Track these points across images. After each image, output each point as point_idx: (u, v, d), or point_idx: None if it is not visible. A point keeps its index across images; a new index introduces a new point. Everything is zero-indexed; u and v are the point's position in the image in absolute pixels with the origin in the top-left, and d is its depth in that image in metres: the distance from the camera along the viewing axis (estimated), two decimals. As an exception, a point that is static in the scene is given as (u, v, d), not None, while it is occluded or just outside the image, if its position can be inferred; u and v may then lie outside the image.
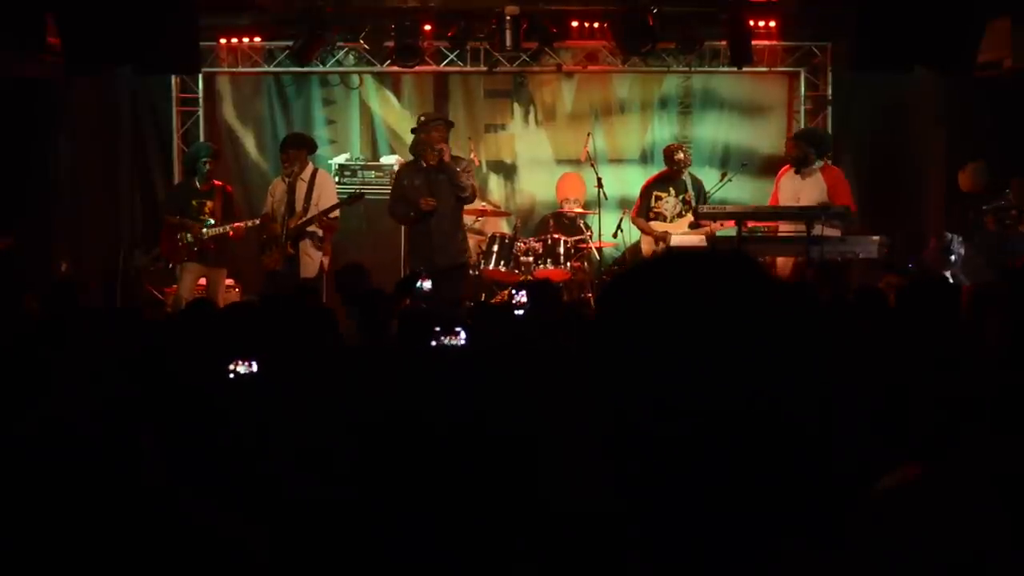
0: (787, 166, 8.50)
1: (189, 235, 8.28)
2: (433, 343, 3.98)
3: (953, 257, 7.13)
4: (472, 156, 9.59)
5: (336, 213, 8.16)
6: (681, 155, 8.83)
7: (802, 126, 9.72)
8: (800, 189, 8.22)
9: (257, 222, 8.31)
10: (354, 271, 5.98)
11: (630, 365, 0.96)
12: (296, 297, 5.31)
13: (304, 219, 8.09)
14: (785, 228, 7.97)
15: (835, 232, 7.69)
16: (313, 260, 8.09)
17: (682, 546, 0.96)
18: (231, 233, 8.28)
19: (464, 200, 7.90)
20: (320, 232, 8.12)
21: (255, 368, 3.07)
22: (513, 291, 5.36)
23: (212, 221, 8.30)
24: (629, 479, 0.97)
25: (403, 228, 8.97)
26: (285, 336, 3.29)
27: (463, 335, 4.02)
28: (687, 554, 0.97)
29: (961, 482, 1.47)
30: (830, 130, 9.89)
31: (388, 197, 9.17)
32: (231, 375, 3.06)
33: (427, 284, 6.24)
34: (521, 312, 5.08)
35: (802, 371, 0.97)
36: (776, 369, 0.96)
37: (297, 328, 3.37)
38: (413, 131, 8.04)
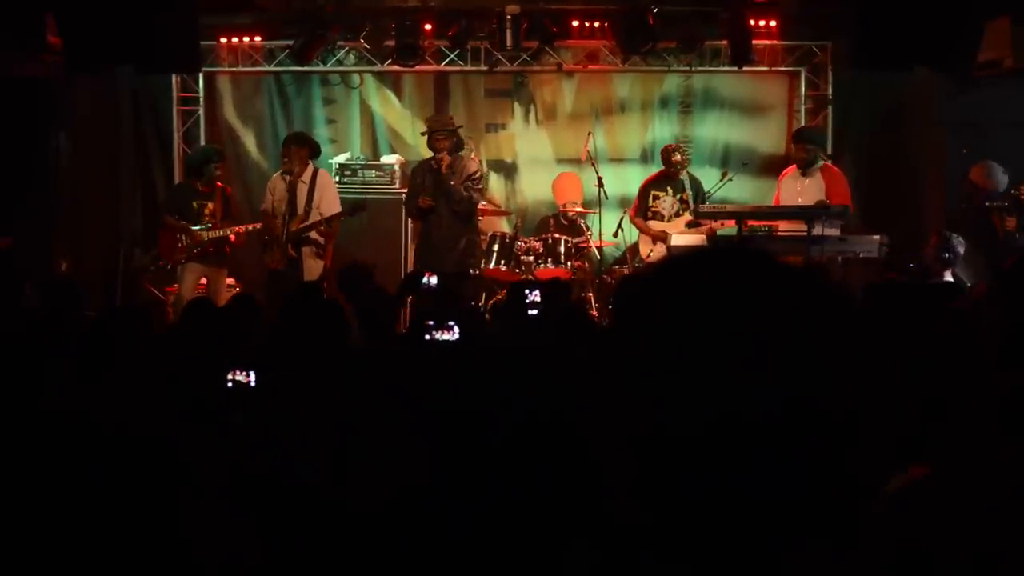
0: (791, 167, 8.52)
1: (188, 237, 8.29)
2: (426, 337, 3.96)
3: (953, 256, 7.13)
4: (472, 156, 9.60)
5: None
6: (679, 156, 8.85)
7: (803, 126, 9.73)
8: (801, 190, 8.25)
9: (258, 226, 8.33)
10: (358, 270, 5.98)
11: (659, 367, 0.96)
12: (303, 297, 5.31)
13: (305, 224, 8.11)
14: (784, 227, 7.97)
15: (834, 231, 7.71)
16: (316, 264, 8.14)
17: (702, 543, 0.97)
18: (232, 238, 8.29)
19: (457, 210, 8.00)
20: (321, 240, 8.16)
21: (252, 379, 3.08)
22: (527, 291, 5.34)
23: (210, 225, 8.31)
24: (654, 475, 0.97)
25: (408, 229, 9.03)
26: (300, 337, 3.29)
27: (456, 330, 4.00)
28: (705, 551, 0.97)
29: (969, 483, 1.48)
30: (830, 130, 9.91)
31: (389, 197, 9.27)
32: (229, 384, 3.07)
33: (433, 280, 6.25)
34: (535, 312, 5.07)
35: (834, 369, 0.96)
36: (808, 367, 0.96)
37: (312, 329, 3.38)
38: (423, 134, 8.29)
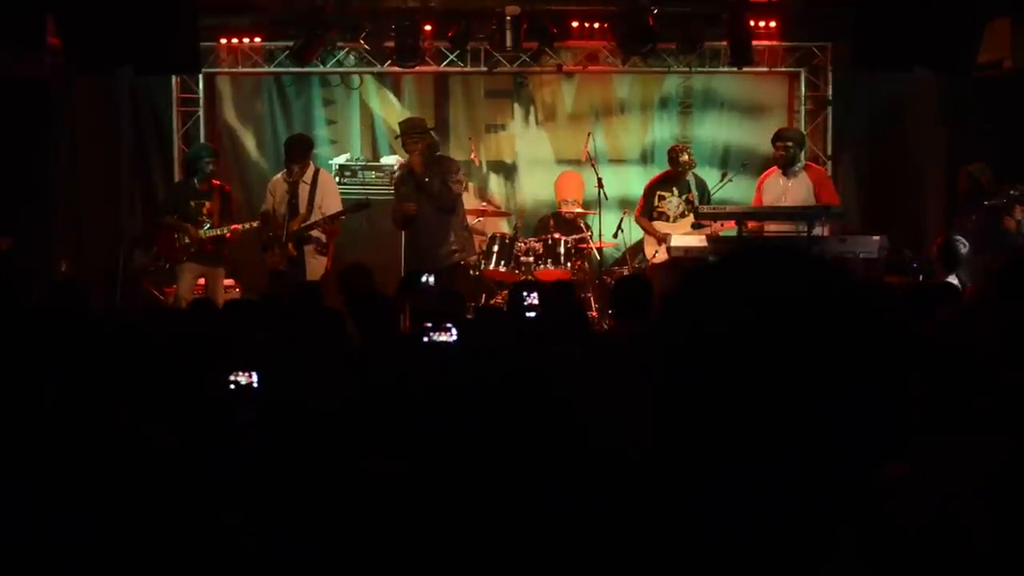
0: (771, 168, 8.52)
1: (186, 236, 8.28)
2: (424, 339, 3.97)
3: (956, 257, 7.12)
4: (472, 156, 9.60)
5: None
6: (686, 156, 8.84)
7: (802, 126, 9.73)
8: (785, 190, 8.25)
9: (255, 224, 8.32)
10: (358, 272, 5.98)
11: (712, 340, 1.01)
12: (300, 297, 5.31)
13: (307, 223, 8.11)
14: (772, 228, 7.97)
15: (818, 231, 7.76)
16: (319, 263, 8.13)
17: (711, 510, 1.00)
18: (228, 235, 8.28)
19: (440, 206, 7.99)
20: (323, 238, 8.16)
21: (255, 380, 3.08)
22: (525, 292, 5.34)
23: (209, 224, 8.30)
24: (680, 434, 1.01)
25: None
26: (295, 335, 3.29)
27: (454, 332, 4.01)
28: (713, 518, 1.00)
29: (945, 480, 1.49)
30: (830, 131, 9.91)
31: (389, 198, 9.26)
32: (231, 386, 3.08)
33: (431, 279, 6.27)
34: (533, 314, 5.07)
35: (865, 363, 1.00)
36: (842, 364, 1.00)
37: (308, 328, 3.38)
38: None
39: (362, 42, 9.65)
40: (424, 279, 6.27)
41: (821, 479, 0.99)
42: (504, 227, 9.73)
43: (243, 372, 3.20)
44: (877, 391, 1.00)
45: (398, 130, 8.33)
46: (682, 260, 8.16)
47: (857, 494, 1.01)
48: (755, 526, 1.00)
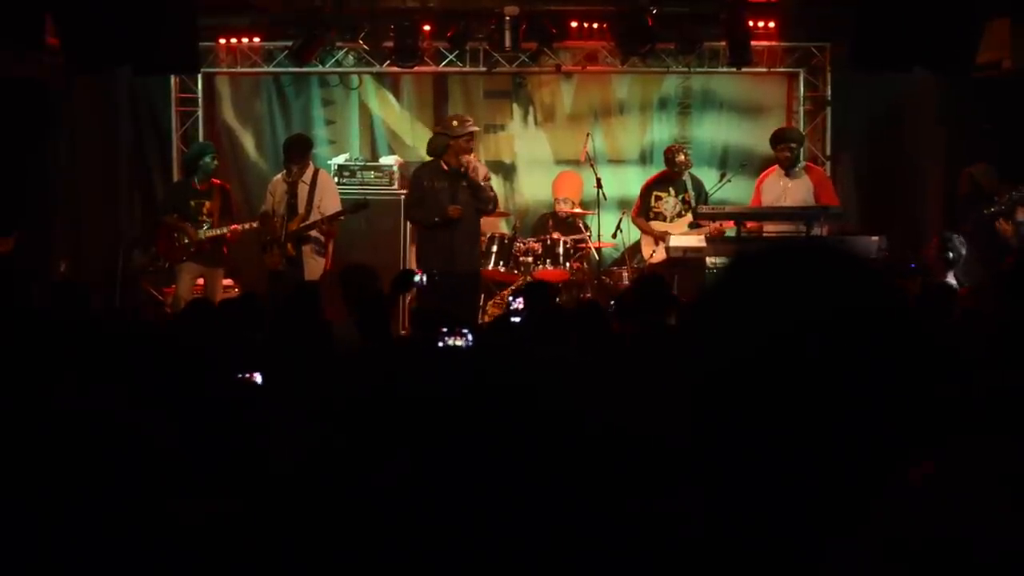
0: (771, 168, 8.52)
1: (185, 237, 8.28)
2: (440, 344, 3.98)
3: (955, 257, 7.12)
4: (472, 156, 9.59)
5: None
6: (682, 157, 8.84)
7: (801, 126, 9.73)
8: (785, 190, 8.25)
9: (255, 224, 8.32)
10: (363, 273, 5.96)
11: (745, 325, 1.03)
12: (296, 298, 5.31)
13: (306, 223, 8.10)
14: (771, 228, 7.97)
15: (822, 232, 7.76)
16: (317, 263, 8.12)
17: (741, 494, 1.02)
18: (228, 235, 8.28)
19: (485, 212, 7.98)
20: (322, 238, 8.15)
21: (259, 379, 3.09)
22: (510, 298, 5.36)
23: (209, 223, 8.30)
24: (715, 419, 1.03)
25: (407, 230, 8.96)
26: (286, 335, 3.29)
27: (469, 336, 4.03)
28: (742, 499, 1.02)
29: (969, 480, 1.48)
30: (828, 131, 9.91)
31: (388, 198, 9.21)
32: (235, 385, 3.08)
33: (424, 279, 6.26)
34: (519, 319, 5.08)
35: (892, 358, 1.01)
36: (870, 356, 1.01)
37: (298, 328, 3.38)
38: (443, 131, 8.02)
39: (361, 42, 9.65)
40: (418, 279, 6.25)
41: (846, 478, 1.00)
42: (503, 227, 9.73)
43: (248, 372, 3.21)
44: (907, 392, 1.01)
45: (455, 123, 8.01)
46: (680, 260, 8.16)
47: (880, 494, 1.01)
48: (776, 522, 1.00)
